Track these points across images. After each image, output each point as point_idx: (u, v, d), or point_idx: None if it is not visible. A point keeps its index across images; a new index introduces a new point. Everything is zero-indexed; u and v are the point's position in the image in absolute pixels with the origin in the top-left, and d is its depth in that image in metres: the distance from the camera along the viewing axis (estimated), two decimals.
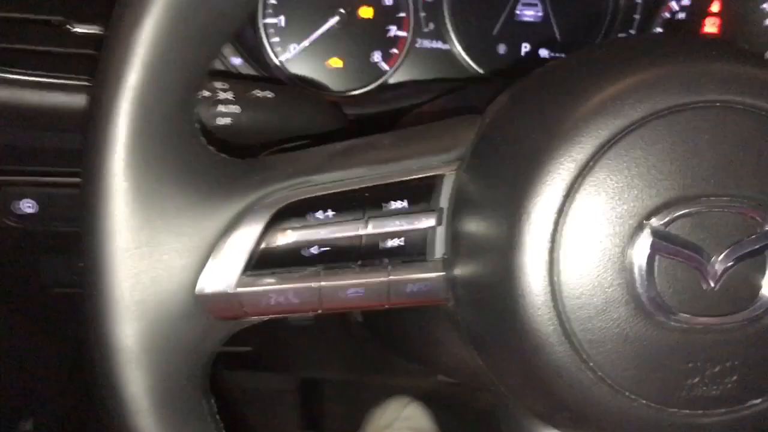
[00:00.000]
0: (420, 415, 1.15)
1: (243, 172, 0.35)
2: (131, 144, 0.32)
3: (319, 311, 0.36)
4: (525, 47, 0.71)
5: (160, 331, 0.33)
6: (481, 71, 0.71)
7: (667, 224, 0.32)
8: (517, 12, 0.70)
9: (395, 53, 0.70)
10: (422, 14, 0.70)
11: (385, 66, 0.70)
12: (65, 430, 0.83)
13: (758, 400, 0.33)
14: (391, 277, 0.37)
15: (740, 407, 0.33)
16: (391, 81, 0.70)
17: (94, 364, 0.34)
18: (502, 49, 0.71)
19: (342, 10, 0.68)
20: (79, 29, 0.51)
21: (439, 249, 0.38)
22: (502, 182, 0.35)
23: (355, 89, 0.69)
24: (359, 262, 0.36)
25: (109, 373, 0.33)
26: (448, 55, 0.71)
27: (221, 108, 0.44)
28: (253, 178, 0.35)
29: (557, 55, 0.71)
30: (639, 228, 0.32)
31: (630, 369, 0.33)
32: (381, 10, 0.69)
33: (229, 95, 0.45)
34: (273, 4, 0.67)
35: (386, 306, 0.37)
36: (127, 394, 0.33)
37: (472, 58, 0.71)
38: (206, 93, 0.44)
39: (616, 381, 0.33)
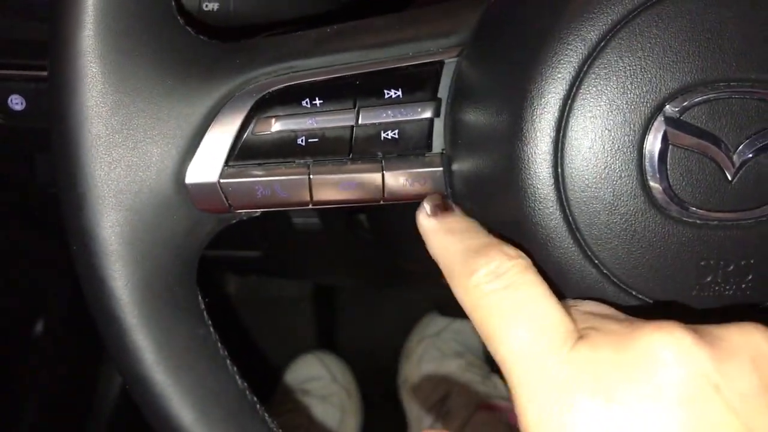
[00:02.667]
0: (470, 331, 1.15)
1: (224, 55, 0.33)
2: (100, 21, 0.30)
3: (309, 205, 0.34)
4: None
5: (140, 222, 0.31)
6: None
7: (682, 111, 0.29)
8: None
9: None
10: None
11: None
12: (74, 331, 0.84)
13: None
14: (385, 172, 0.34)
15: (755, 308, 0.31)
16: None
17: (75, 256, 0.32)
18: None
19: None
20: None
21: (437, 142, 0.35)
22: (506, 67, 0.32)
23: None
24: (350, 155, 0.34)
25: (89, 265, 0.32)
26: None
27: None
28: (234, 62, 0.32)
29: None
30: (652, 115, 0.29)
31: (638, 267, 0.30)
32: None
33: None
34: None
35: (381, 202, 0.35)
36: (109, 288, 0.32)
37: None
38: None
39: (623, 279, 0.31)
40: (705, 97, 0.29)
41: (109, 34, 0.30)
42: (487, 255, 0.29)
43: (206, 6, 0.41)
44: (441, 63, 0.35)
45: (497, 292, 0.27)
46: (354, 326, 1.28)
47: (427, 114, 0.34)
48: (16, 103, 0.54)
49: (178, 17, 0.32)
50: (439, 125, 0.35)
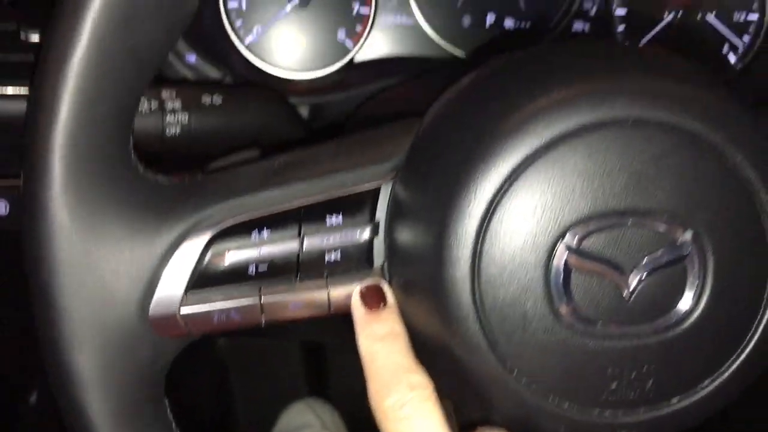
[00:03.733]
0: None
1: (180, 195, 0.37)
2: (65, 181, 0.33)
3: (262, 325, 0.38)
4: (490, 18, 0.70)
5: (111, 356, 0.35)
6: (447, 45, 0.70)
7: (582, 239, 0.33)
8: None
9: (360, 30, 0.69)
10: None
11: (350, 44, 0.70)
12: None
13: (674, 400, 0.35)
14: (330, 289, 0.38)
15: (658, 407, 0.35)
16: (358, 59, 0.70)
17: (53, 385, 0.36)
18: (466, 21, 0.71)
19: None
20: (33, 37, 0.52)
21: (379, 258, 0.39)
22: (430, 195, 0.36)
23: (320, 68, 0.69)
24: (298, 277, 0.38)
25: (66, 395, 0.35)
26: (415, 31, 0.71)
27: (169, 118, 0.45)
28: (189, 202, 0.36)
29: (523, 25, 0.70)
30: (554, 244, 0.33)
31: (553, 376, 0.34)
32: None
33: (177, 104, 0.46)
34: None
35: (329, 315, 0.39)
36: (87, 415, 0.35)
37: (436, 32, 0.70)
38: (154, 103, 0.45)
39: (540, 387, 0.34)
40: (601, 225, 0.33)
41: (73, 193, 0.34)
42: (396, 384, 0.35)
43: (169, 131, 0.45)
44: (378, 187, 0.39)
45: (400, 419, 0.34)
46: (344, 371, 1.30)
47: (367, 236, 0.38)
48: (0, 208, 0.58)
49: (138, 164, 0.36)
50: (378, 242, 0.39)
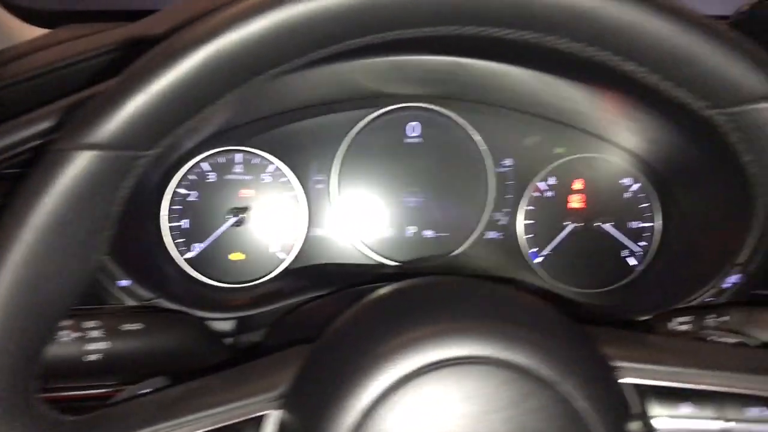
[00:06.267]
0: None
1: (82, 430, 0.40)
2: None
3: None
4: (410, 230, 0.78)
5: None
6: (372, 254, 0.77)
7: None
8: (403, 199, 0.78)
9: (292, 243, 0.76)
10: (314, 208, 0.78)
11: (283, 255, 0.76)
12: None
13: None
14: None
15: None
16: (291, 268, 0.77)
17: None
18: (389, 232, 0.78)
19: (240, 211, 0.75)
20: None
21: None
22: (310, 421, 0.40)
23: (255, 279, 0.75)
24: None
25: None
26: (342, 241, 0.78)
27: (89, 346, 0.50)
28: None
29: (441, 234, 0.78)
30: None
31: None
32: (277, 207, 0.76)
33: (98, 332, 0.50)
34: (176, 209, 0.74)
35: None
36: None
37: (362, 242, 0.77)
38: (75, 334, 0.50)
39: None
40: None
41: None
42: None
43: (89, 357, 0.50)
44: (267, 414, 0.42)
45: None
46: None
47: None
48: None
49: (41, 406, 0.40)
50: None
